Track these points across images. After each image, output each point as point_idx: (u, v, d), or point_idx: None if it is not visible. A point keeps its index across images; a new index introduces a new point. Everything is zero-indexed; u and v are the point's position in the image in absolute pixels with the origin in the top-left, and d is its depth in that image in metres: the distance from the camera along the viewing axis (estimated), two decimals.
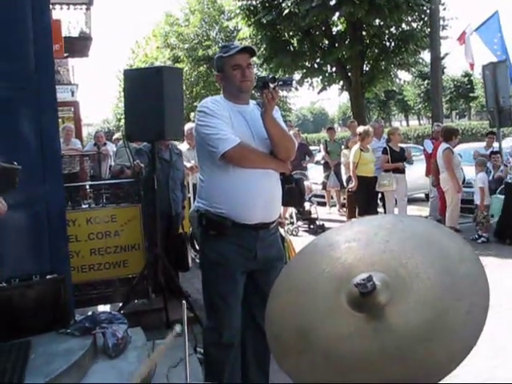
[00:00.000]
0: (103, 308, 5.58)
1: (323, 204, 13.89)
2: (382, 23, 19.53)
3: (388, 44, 20.76)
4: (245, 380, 3.72)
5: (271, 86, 3.41)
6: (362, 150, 10.09)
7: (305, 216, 11.59)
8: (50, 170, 4.30)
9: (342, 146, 12.81)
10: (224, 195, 3.49)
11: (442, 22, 18.45)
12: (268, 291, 1.80)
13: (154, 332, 5.22)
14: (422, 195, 15.02)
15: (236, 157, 3.43)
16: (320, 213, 12.06)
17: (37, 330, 3.99)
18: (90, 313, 4.53)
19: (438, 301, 1.46)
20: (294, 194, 3.91)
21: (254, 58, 3.76)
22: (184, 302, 1.59)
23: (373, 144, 10.60)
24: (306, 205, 11.33)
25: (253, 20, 19.81)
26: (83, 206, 6.22)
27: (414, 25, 20.08)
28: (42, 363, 3.50)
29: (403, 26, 20.03)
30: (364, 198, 10.09)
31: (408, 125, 63.89)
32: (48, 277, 4.22)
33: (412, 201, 13.84)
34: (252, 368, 3.82)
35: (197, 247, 6.67)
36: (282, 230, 6.02)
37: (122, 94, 5.87)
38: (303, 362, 1.50)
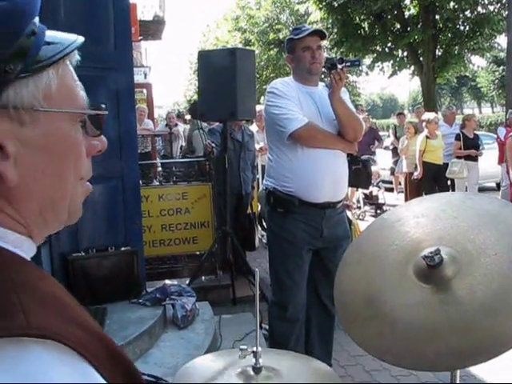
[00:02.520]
0: (171, 282, 5.77)
1: (391, 190, 13.76)
2: (456, 6, 19.02)
3: (462, 28, 20.21)
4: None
5: (339, 66, 3.47)
6: (428, 137, 9.92)
7: (372, 201, 11.55)
8: (126, 147, 4.48)
9: None
10: (292, 174, 3.56)
11: None
12: (334, 269, 1.85)
13: (220, 307, 5.38)
14: (493, 184, 14.62)
15: (304, 136, 3.49)
16: (387, 198, 11.98)
17: (111, 298, 4.21)
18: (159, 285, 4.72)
19: (504, 276, 1.49)
20: (360, 174, 3.95)
21: (325, 42, 3.82)
22: (257, 270, 1.67)
23: (444, 130, 10.41)
24: (374, 190, 11.27)
25: (324, 3, 19.66)
26: (155, 183, 6.42)
27: (491, 7, 19.45)
28: (117, 329, 3.70)
29: (479, 8, 19.43)
30: (430, 185, 9.93)
31: (480, 112, 61.99)
32: (122, 249, 4.43)
33: (482, 190, 13.49)
34: (316, 345, 3.90)
35: (265, 226, 6.79)
36: (349, 214, 6.04)
37: (193, 76, 6.01)
38: (370, 328, 1.56)
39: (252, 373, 1.59)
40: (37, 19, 0.74)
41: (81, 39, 0.79)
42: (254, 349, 1.63)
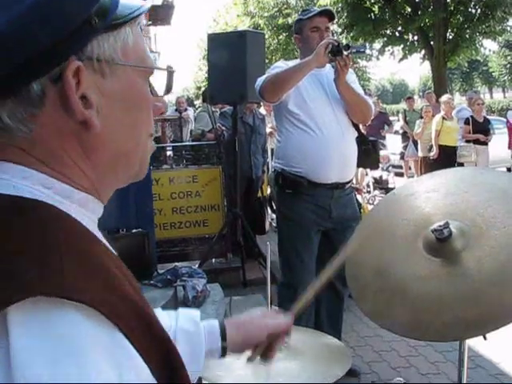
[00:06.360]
0: (182, 264, 5.82)
1: (400, 174, 13.73)
2: None
3: (474, 11, 19.97)
4: None
5: (345, 53, 3.43)
6: (444, 118, 9.91)
7: (382, 185, 11.55)
8: None
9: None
10: (300, 155, 3.57)
11: None
12: None
13: (231, 289, 5.41)
14: (504, 169, 14.58)
15: (268, 88, 3.54)
16: (397, 183, 11.95)
17: None
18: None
19: None
20: (369, 155, 3.96)
21: (335, 27, 3.82)
22: (268, 243, 1.70)
23: (465, 114, 10.42)
24: (384, 174, 11.26)
25: None
26: (166, 167, 6.46)
27: None
28: None
29: None
30: (444, 168, 9.88)
31: (492, 97, 61.54)
32: (134, 231, 4.46)
33: None
34: (325, 326, 3.91)
35: (275, 208, 6.82)
36: (359, 198, 6.05)
37: (202, 62, 6.01)
38: (380, 300, 1.58)
39: None
40: None
41: (148, 5, 0.83)
42: None
